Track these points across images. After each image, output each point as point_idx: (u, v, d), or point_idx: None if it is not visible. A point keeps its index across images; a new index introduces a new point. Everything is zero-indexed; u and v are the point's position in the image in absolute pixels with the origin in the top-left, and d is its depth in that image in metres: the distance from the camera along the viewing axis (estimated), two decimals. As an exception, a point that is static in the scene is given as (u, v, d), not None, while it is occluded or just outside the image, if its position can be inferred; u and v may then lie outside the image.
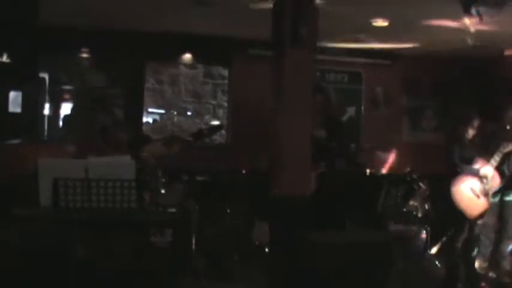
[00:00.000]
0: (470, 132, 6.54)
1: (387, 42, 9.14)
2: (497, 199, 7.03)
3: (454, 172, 6.44)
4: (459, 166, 6.44)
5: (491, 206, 6.94)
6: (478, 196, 6.35)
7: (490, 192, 6.42)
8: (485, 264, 7.28)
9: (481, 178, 6.34)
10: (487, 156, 6.40)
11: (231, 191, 7.95)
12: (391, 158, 7.81)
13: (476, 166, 6.37)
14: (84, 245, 4.64)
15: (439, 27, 7.98)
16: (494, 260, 7.32)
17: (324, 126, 7.07)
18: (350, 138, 9.26)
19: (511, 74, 9.39)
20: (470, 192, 6.34)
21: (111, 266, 4.72)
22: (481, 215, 6.44)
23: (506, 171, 6.55)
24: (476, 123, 6.55)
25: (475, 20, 6.06)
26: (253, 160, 8.13)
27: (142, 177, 5.72)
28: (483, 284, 6.56)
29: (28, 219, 4.53)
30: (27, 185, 5.27)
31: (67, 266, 4.40)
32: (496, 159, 6.33)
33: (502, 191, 6.83)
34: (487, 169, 6.33)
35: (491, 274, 6.88)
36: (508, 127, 6.74)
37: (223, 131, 9.17)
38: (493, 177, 6.38)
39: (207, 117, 9.50)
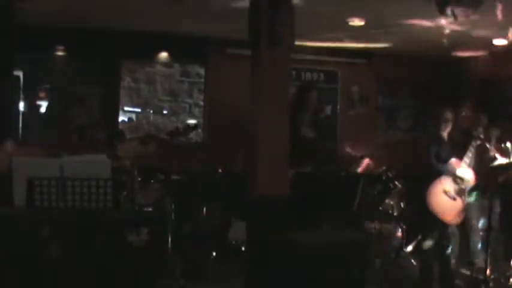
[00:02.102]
0: (446, 131, 6.58)
1: (363, 41, 9.18)
2: (472, 198, 7.08)
3: (430, 172, 6.47)
4: (436, 166, 6.48)
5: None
6: (453, 198, 6.37)
7: (466, 191, 6.45)
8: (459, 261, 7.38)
9: (456, 178, 6.37)
10: (462, 154, 6.44)
11: (207, 190, 7.93)
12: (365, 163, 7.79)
13: (453, 166, 6.39)
14: (60, 245, 4.60)
15: (415, 27, 8.03)
16: (467, 258, 7.40)
17: (313, 126, 7.03)
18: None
19: (484, 73, 9.49)
20: (445, 197, 6.37)
21: (86, 266, 4.68)
22: (460, 217, 6.47)
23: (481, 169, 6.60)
24: (451, 122, 6.59)
25: (450, 20, 6.10)
26: (230, 159, 8.13)
27: (118, 176, 5.69)
28: (457, 282, 6.62)
29: (2, 219, 4.48)
30: (0, 185, 5.22)
31: (42, 266, 4.36)
32: (468, 156, 6.36)
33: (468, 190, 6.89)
34: (463, 170, 6.36)
35: (464, 271, 6.96)
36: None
37: (199, 130, 9.16)
38: (469, 175, 6.40)
39: (183, 115, 9.48)
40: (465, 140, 6.66)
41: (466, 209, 6.78)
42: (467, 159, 6.38)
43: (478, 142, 6.38)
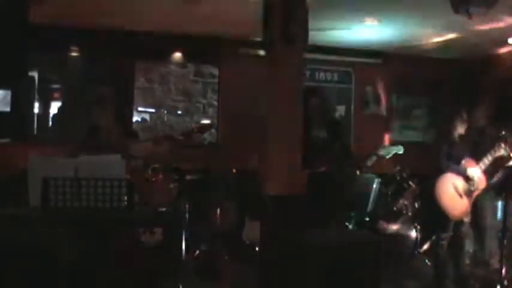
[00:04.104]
0: (460, 132, 6.55)
1: (377, 41, 9.15)
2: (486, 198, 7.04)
3: (444, 172, 6.44)
4: (446, 165, 6.45)
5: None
6: (460, 196, 6.34)
7: (475, 194, 6.42)
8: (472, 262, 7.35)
9: (467, 178, 6.34)
10: (476, 155, 6.41)
11: (221, 190, 7.94)
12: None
13: (464, 166, 6.37)
14: (74, 245, 4.62)
15: (428, 27, 8.00)
16: (482, 258, 7.37)
17: (325, 126, 7.02)
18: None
19: (499, 73, 9.43)
20: (453, 191, 6.35)
21: (101, 266, 4.70)
22: (463, 215, 6.44)
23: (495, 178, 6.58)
24: (465, 122, 6.57)
25: (465, 19, 6.07)
26: (244, 159, 8.13)
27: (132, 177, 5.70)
28: (472, 282, 6.59)
29: (17, 219, 4.50)
30: (16, 185, 5.25)
31: (57, 266, 4.38)
32: (485, 163, 6.33)
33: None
34: (475, 170, 6.33)
35: (479, 272, 6.92)
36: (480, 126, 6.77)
37: (213, 130, 9.17)
38: (479, 178, 6.37)
39: (197, 116, 9.49)
40: (479, 140, 6.63)
41: (480, 208, 6.76)
42: (483, 164, 6.34)
43: (500, 151, 6.32)
